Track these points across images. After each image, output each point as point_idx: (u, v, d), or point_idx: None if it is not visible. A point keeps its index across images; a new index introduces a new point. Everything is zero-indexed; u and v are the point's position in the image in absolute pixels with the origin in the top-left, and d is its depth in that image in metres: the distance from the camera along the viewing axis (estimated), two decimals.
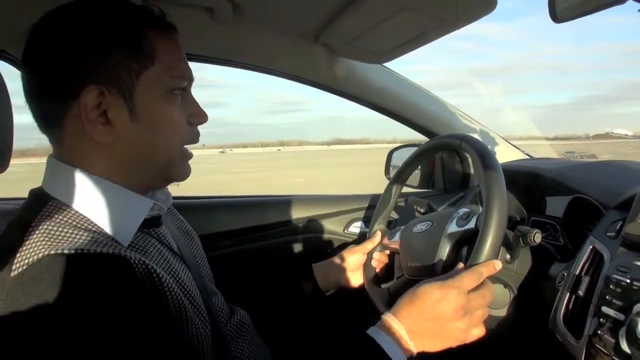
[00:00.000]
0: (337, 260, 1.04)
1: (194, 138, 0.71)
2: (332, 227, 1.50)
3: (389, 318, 0.71)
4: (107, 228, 0.60)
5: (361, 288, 1.04)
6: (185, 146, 0.70)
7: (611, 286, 0.70)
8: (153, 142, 0.65)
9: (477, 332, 0.73)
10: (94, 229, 0.59)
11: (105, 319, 0.51)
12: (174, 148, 0.67)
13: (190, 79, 0.69)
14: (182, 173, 0.70)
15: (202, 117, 0.71)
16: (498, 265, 0.77)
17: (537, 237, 0.86)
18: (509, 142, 1.57)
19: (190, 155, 0.71)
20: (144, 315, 0.54)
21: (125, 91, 0.62)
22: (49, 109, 0.63)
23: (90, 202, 0.61)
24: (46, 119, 0.64)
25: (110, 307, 0.51)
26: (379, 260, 1.06)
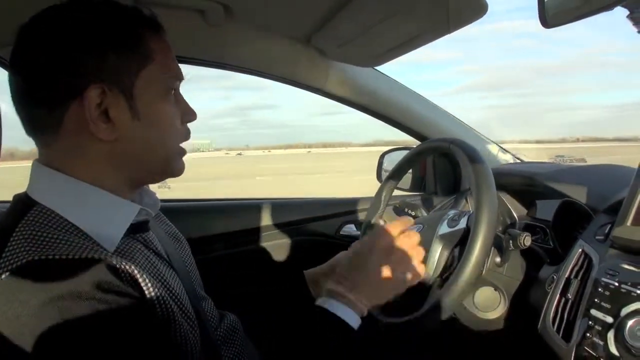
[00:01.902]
0: (328, 266, 1.04)
1: (187, 135, 0.72)
2: (324, 231, 1.50)
3: (331, 285, 0.74)
4: (92, 234, 0.59)
5: None
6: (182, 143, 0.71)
7: (600, 289, 0.70)
8: (153, 140, 0.66)
9: (418, 270, 0.77)
10: (79, 234, 0.58)
11: (91, 323, 0.50)
12: (172, 145, 0.69)
13: (181, 78, 0.70)
14: (178, 169, 0.71)
15: (193, 115, 0.72)
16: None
17: (527, 240, 0.87)
18: (500, 146, 1.58)
19: (184, 152, 0.72)
20: (130, 319, 0.53)
21: (126, 90, 0.62)
22: (42, 112, 0.62)
23: (75, 207, 0.60)
24: (38, 123, 0.63)
25: (96, 312, 0.51)
26: None
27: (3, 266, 0.52)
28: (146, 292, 0.58)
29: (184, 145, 0.72)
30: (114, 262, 0.55)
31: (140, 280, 0.57)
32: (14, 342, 0.49)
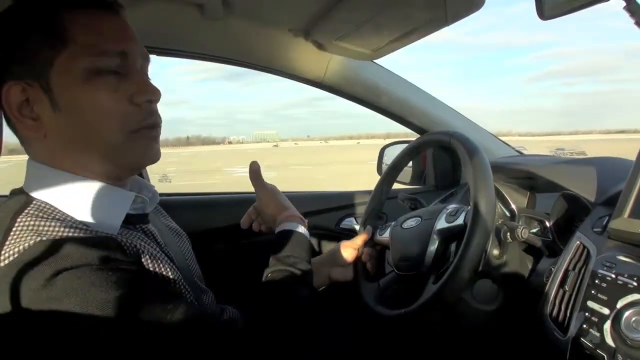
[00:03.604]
0: (328, 256, 1.05)
1: (144, 118, 0.64)
2: (324, 224, 1.51)
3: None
4: (91, 224, 0.60)
5: (352, 283, 1.04)
6: (150, 128, 0.65)
7: (597, 281, 0.70)
8: (82, 129, 0.61)
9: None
10: (79, 226, 0.59)
11: (102, 290, 0.51)
12: (111, 132, 0.62)
13: (123, 54, 0.62)
14: (135, 158, 0.65)
15: (147, 94, 0.64)
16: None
17: (525, 232, 0.87)
18: (499, 139, 1.58)
19: (148, 138, 0.65)
20: (140, 288, 0.55)
21: (43, 81, 0.59)
22: None
23: (70, 199, 0.61)
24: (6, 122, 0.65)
25: (105, 281, 0.52)
26: (370, 256, 1.06)
27: (7, 251, 0.53)
28: (151, 264, 0.61)
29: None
30: (120, 239, 0.58)
31: (143, 255, 0.61)
32: (29, 315, 0.50)
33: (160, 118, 0.67)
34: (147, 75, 0.67)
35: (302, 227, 0.87)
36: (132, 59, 0.64)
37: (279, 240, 0.83)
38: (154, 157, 0.67)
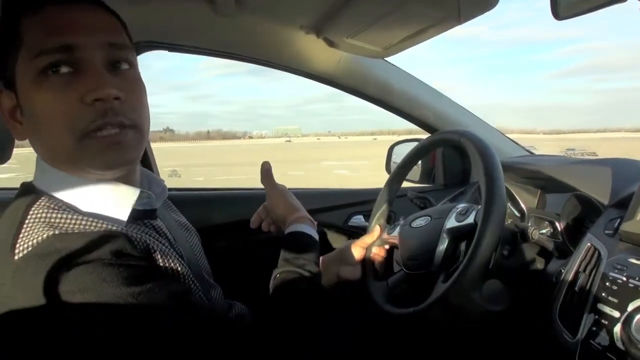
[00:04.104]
0: (336, 254, 1.05)
1: (93, 119, 0.58)
2: (332, 221, 1.51)
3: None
4: (100, 217, 0.61)
5: (360, 282, 1.04)
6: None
7: (607, 284, 0.70)
8: (40, 133, 0.60)
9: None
10: (89, 216, 0.60)
11: (114, 282, 0.52)
12: (61, 136, 0.58)
13: (68, 48, 0.57)
14: (93, 163, 0.60)
15: (96, 92, 0.57)
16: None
17: (535, 233, 0.87)
18: (510, 139, 1.57)
19: (103, 141, 0.59)
20: (154, 277, 0.57)
21: (12, 87, 0.61)
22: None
23: (76, 195, 0.62)
24: None
25: (117, 275, 0.53)
26: (378, 255, 1.06)
27: (21, 244, 0.54)
28: (160, 260, 0.62)
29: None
30: (129, 234, 0.59)
31: (152, 250, 0.61)
32: (42, 308, 0.50)
33: (125, 118, 0.60)
34: (113, 68, 0.61)
35: (312, 229, 0.87)
36: (82, 52, 0.58)
37: (289, 242, 0.83)
38: (110, 164, 0.61)
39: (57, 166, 0.63)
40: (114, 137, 0.59)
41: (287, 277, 0.76)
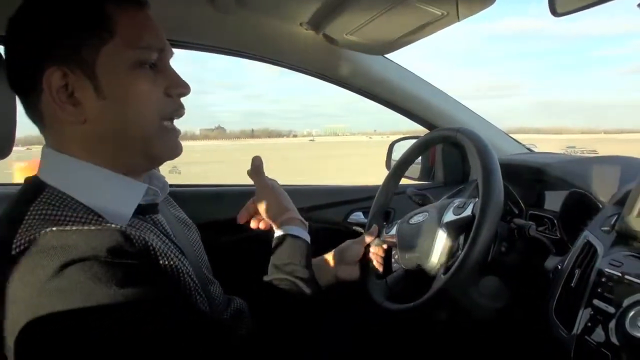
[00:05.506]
0: (335, 254, 1.05)
1: (175, 110, 0.68)
2: (331, 218, 1.51)
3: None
4: (103, 212, 0.61)
5: (359, 281, 1.05)
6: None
7: (603, 279, 0.70)
8: (123, 117, 0.64)
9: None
10: (91, 213, 0.60)
11: (109, 282, 0.52)
12: (148, 122, 0.65)
13: (161, 50, 0.67)
14: (164, 149, 0.68)
15: (181, 88, 0.68)
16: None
17: (532, 230, 0.87)
18: (509, 136, 1.57)
19: (175, 131, 0.69)
20: (146, 281, 0.56)
21: (87, 69, 0.61)
22: (23, 99, 0.65)
23: (83, 188, 0.62)
24: (27, 110, 0.66)
25: (113, 273, 0.53)
26: (377, 254, 1.06)
27: (19, 240, 0.54)
28: (160, 259, 0.62)
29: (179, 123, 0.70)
30: (128, 232, 0.59)
31: (151, 249, 0.61)
32: (37, 305, 0.51)
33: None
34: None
35: (303, 231, 0.86)
36: (166, 55, 0.68)
37: (279, 246, 0.83)
38: (178, 152, 0.70)
39: (90, 154, 0.64)
40: (178, 131, 0.70)
41: (277, 285, 0.77)
